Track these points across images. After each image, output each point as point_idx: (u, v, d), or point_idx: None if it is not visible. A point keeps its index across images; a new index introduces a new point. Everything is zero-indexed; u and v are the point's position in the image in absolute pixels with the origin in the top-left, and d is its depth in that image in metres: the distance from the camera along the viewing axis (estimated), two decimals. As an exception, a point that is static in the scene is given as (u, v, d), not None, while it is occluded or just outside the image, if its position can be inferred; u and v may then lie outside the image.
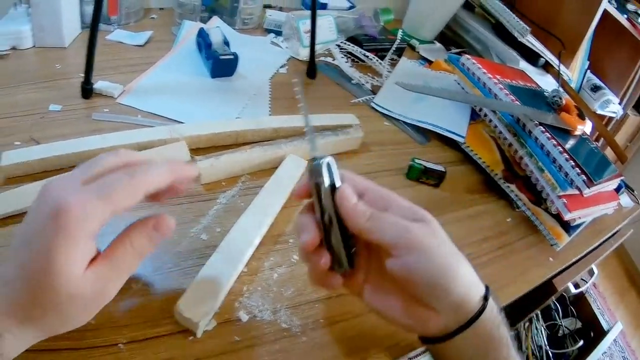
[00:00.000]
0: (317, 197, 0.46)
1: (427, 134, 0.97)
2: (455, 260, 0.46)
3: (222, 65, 0.98)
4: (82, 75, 0.85)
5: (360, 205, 0.46)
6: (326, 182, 0.46)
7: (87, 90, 0.86)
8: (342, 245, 0.47)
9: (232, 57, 0.98)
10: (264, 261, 0.63)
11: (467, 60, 1.01)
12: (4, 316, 0.39)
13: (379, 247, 0.47)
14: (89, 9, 1.04)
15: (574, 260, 0.83)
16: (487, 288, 0.48)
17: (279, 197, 0.69)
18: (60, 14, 0.96)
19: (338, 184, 0.47)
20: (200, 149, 0.77)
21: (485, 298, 0.47)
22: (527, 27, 1.27)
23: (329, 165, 0.46)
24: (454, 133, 0.94)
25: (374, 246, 0.48)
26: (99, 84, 0.87)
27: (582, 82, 1.56)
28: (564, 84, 1.30)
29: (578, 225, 0.83)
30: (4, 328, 0.39)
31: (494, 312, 0.47)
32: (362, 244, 0.49)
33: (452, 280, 0.45)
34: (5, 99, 0.81)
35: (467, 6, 1.44)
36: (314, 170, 0.46)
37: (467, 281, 0.46)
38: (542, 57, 1.31)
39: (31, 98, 0.83)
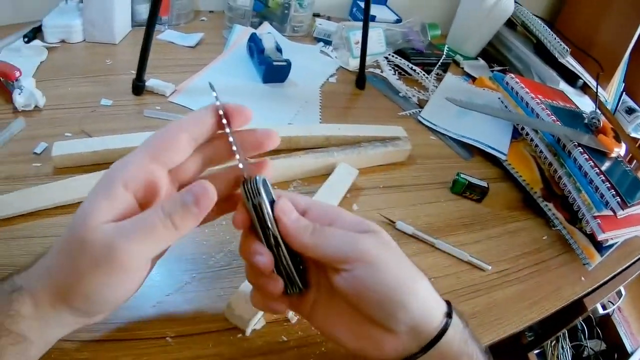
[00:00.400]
0: (257, 219, 0.43)
1: (470, 150, 0.99)
2: (410, 274, 0.42)
3: (274, 71, 1.00)
4: (133, 72, 0.87)
5: (302, 220, 0.43)
6: (266, 200, 0.42)
7: (139, 87, 0.88)
8: (293, 265, 0.44)
9: (285, 63, 1.00)
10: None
11: (512, 79, 1.03)
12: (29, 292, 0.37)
13: (327, 265, 0.43)
14: (140, 7, 1.08)
15: (604, 280, 0.83)
16: (448, 304, 0.44)
17: (331, 203, 0.70)
18: (112, 11, 0.98)
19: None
20: (253, 152, 0.79)
21: (449, 315, 0.43)
22: (567, 48, 1.28)
23: (264, 182, 0.42)
24: (496, 150, 0.96)
25: (322, 264, 0.44)
26: (150, 82, 0.89)
27: (617, 104, 1.57)
28: (600, 105, 1.31)
29: (610, 246, 0.84)
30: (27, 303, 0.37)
31: (459, 329, 0.43)
32: (310, 262, 0.46)
33: (409, 296, 0.41)
34: (55, 91, 0.83)
35: (510, 24, 1.46)
36: (250, 190, 0.42)
37: (425, 297, 0.42)
38: (581, 79, 1.33)
39: (81, 91, 0.85)
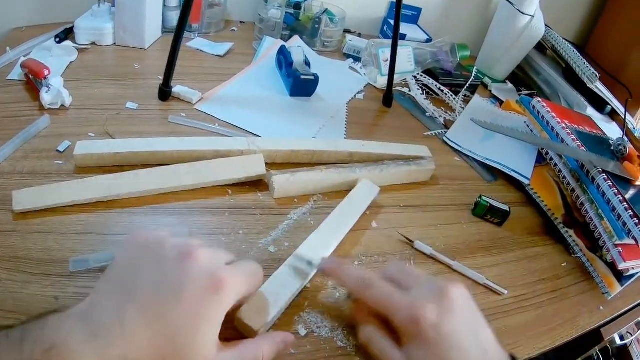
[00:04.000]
0: None
1: (494, 173, 0.99)
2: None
3: (302, 85, 1.01)
4: (161, 77, 0.88)
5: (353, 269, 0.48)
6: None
7: (165, 93, 0.89)
8: None
9: (312, 77, 1.01)
10: (327, 280, 0.63)
11: (538, 103, 1.03)
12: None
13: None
14: (172, 14, 1.11)
15: (623, 310, 0.81)
16: None
17: (350, 219, 0.71)
18: (144, 17, 1.01)
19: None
20: (276, 164, 0.79)
21: None
22: (597, 74, 1.28)
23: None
24: (520, 174, 0.96)
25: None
26: (177, 88, 0.90)
27: (646, 131, 1.55)
28: (628, 132, 1.30)
29: (630, 276, 0.83)
30: None
31: None
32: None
33: None
34: (82, 91, 0.85)
35: (539, 48, 1.46)
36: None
37: None
38: (609, 105, 1.32)
39: (108, 93, 0.87)
